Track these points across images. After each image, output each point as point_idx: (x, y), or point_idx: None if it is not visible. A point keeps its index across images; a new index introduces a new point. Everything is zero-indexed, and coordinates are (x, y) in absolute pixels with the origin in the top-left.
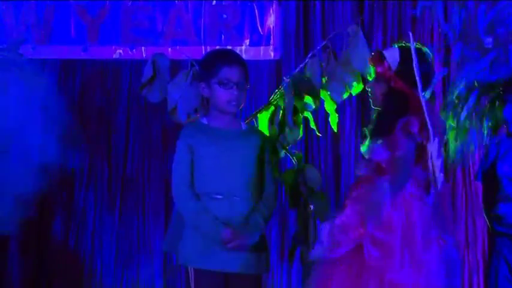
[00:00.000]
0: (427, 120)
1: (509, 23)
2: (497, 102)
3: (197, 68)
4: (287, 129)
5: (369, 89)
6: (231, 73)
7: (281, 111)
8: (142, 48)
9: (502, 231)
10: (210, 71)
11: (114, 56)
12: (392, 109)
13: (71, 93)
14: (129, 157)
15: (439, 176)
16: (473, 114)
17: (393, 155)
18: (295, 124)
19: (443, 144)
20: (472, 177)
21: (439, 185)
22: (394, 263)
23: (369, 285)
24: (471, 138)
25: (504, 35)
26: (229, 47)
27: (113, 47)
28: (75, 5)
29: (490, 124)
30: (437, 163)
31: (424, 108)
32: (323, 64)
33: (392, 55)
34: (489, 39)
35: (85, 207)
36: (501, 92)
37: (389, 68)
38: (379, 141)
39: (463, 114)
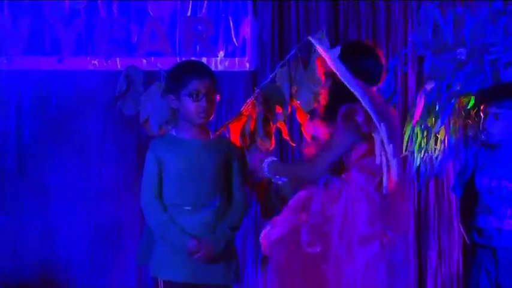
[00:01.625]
0: (369, 109)
1: (485, 34)
2: (476, 113)
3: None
4: (258, 139)
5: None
6: (200, 85)
7: (252, 122)
8: (117, 59)
9: (483, 243)
10: (179, 83)
11: (89, 67)
12: (339, 98)
13: (46, 104)
14: (103, 169)
15: (392, 166)
16: (450, 124)
17: (329, 135)
18: (267, 134)
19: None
20: (445, 188)
21: (394, 176)
22: (329, 253)
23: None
24: (447, 148)
25: (479, 46)
26: (204, 58)
27: (88, 57)
28: (50, 16)
29: (466, 134)
30: (390, 156)
31: (362, 96)
32: (292, 73)
33: (335, 52)
34: (461, 50)
35: (60, 218)
36: (481, 104)
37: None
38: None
39: (439, 124)
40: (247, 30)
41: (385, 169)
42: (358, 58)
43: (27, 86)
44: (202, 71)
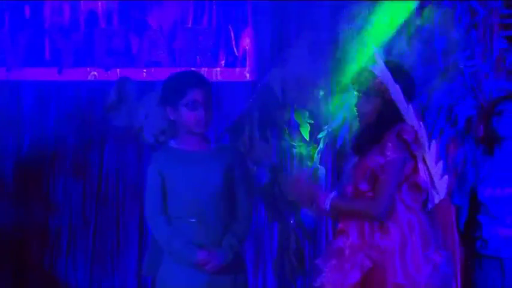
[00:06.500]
0: (418, 129)
1: (462, 46)
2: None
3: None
4: (258, 144)
5: (358, 108)
6: (197, 94)
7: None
8: (117, 70)
9: (488, 255)
10: (176, 94)
11: (88, 78)
12: (389, 118)
13: (45, 115)
14: (103, 179)
15: (440, 184)
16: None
17: (386, 159)
18: (264, 138)
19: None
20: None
21: (442, 194)
22: (391, 268)
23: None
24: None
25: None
26: (204, 69)
27: (88, 69)
28: (50, 27)
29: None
30: (436, 171)
31: (414, 117)
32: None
33: (380, 70)
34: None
35: (59, 228)
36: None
37: (381, 81)
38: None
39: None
40: (247, 41)
41: (430, 185)
42: (400, 76)
43: (26, 97)
44: (198, 80)
